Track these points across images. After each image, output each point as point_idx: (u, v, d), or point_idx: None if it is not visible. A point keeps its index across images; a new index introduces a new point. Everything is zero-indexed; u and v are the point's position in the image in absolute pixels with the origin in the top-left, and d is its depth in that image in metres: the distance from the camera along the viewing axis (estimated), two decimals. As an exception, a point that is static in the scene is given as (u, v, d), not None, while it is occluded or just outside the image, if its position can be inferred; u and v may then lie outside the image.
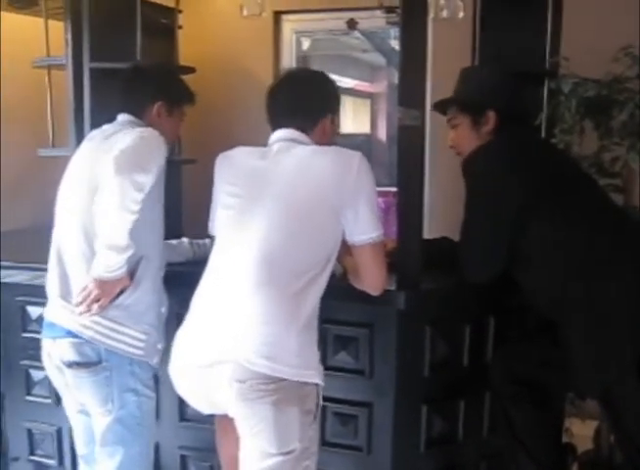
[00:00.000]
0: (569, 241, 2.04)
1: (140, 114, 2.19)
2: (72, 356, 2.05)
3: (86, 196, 2.05)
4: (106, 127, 2.21)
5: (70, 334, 2.05)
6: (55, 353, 2.11)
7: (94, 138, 2.20)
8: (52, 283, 2.15)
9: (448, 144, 2.31)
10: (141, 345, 2.09)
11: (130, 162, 1.89)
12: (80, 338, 2.05)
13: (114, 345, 2.06)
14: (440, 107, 2.34)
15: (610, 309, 1.98)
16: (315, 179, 1.86)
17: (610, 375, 1.99)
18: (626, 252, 2.03)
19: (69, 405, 2.23)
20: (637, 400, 2.02)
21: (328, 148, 1.96)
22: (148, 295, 2.11)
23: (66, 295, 2.09)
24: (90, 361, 2.05)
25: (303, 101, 2.01)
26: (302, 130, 1.98)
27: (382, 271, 1.95)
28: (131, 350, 2.08)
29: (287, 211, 1.85)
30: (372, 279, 1.96)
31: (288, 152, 1.93)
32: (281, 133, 1.98)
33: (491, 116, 2.19)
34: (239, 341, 1.80)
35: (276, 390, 1.77)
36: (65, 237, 2.12)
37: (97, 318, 2.03)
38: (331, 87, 2.09)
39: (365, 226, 1.88)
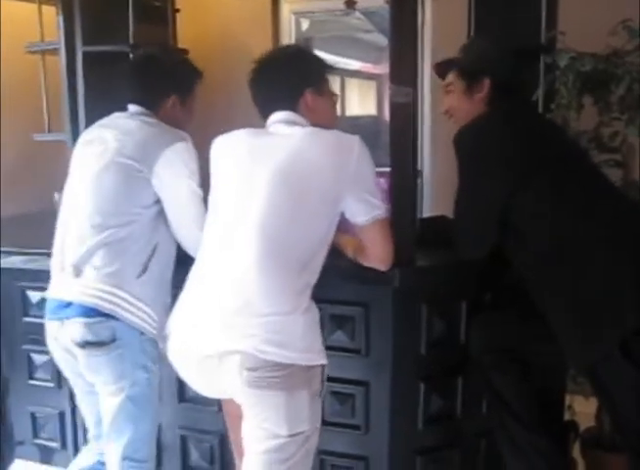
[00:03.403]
0: (552, 220, 2.03)
1: (153, 106, 2.22)
2: (86, 336, 2.03)
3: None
4: (117, 116, 2.22)
5: (81, 313, 2.04)
6: (63, 336, 2.09)
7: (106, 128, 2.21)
8: (58, 266, 2.14)
9: (442, 110, 2.31)
10: (155, 325, 2.10)
11: None
12: (92, 317, 2.03)
13: (133, 319, 2.06)
14: (440, 69, 2.35)
15: (590, 288, 1.97)
16: (313, 163, 1.84)
17: (591, 352, 1.97)
18: (605, 232, 2.01)
19: (78, 387, 2.23)
20: (627, 383, 1.99)
21: (326, 132, 1.93)
22: (157, 281, 2.13)
23: (79, 273, 2.08)
24: (104, 340, 2.04)
25: (281, 82, 1.98)
26: (292, 110, 1.96)
27: (389, 245, 1.97)
28: (146, 326, 2.09)
29: (284, 192, 1.83)
30: (381, 254, 1.98)
31: (285, 134, 1.91)
32: (278, 115, 1.96)
33: (486, 83, 2.19)
34: (248, 331, 1.78)
35: (285, 376, 1.76)
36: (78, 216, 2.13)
37: (116, 291, 2.04)
38: (306, 60, 2.06)
39: (369, 206, 1.89)
